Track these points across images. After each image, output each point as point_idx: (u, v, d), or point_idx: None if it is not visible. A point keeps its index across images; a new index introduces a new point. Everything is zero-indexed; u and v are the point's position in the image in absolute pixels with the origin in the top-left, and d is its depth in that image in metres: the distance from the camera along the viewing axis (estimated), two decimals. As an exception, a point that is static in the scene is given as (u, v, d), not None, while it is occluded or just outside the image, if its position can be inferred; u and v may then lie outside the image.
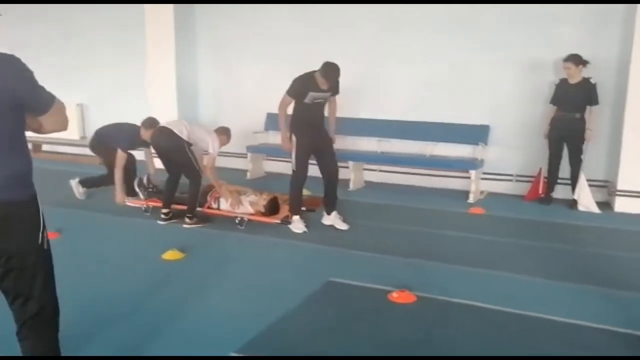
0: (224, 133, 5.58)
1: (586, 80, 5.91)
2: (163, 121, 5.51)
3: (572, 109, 5.96)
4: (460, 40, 6.66)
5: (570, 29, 6.20)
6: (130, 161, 5.91)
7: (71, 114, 8.85)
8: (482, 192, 6.70)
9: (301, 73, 5.05)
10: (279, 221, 5.19)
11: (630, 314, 3.46)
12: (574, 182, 6.10)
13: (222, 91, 8.14)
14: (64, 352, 2.28)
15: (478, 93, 6.70)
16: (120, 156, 5.61)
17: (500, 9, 6.41)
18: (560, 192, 6.32)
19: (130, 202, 5.79)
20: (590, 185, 6.04)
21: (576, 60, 5.84)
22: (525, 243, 4.89)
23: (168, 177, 5.38)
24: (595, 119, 5.97)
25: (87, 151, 6.54)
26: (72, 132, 8.89)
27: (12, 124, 1.98)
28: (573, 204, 6.06)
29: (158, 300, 3.60)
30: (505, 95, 6.59)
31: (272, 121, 7.50)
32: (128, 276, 4.00)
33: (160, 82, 7.90)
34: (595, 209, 5.95)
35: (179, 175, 5.34)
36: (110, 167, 5.85)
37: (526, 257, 4.54)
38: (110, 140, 5.79)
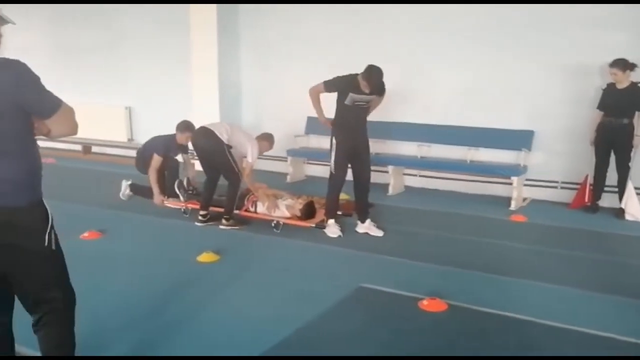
0: (265, 139, 5.65)
1: (634, 85, 5.68)
2: (206, 123, 5.59)
3: (619, 115, 5.74)
4: (504, 43, 6.51)
5: (617, 31, 5.96)
6: (172, 165, 6.06)
7: (119, 116, 9.21)
8: (524, 199, 6.53)
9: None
10: (314, 225, 5.20)
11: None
12: (621, 190, 5.86)
13: (264, 94, 8.23)
14: (90, 346, 2.37)
15: (522, 97, 6.54)
16: (155, 159, 5.77)
17: (545, 11, 6.24)
18: (607, 200, 6.09)
19: (170, 204, 5.94)
20: (638, 194, 5.79)
21: (622, 65, 5.62)
22: (567, 253, 4.74)
23: (206, 179, 5.47)
24: (645, 124, 5.73)
25: (134, 153, 6.72)
26: (120, 134, 9.22)
27: (15, 128, 2.03)
28: (620, 213, 5.83)
29: (187, 301, 3.67)
30: (550, 100, 6.40)
31: (312, 125, 7.54)
32: (161, 276, 4.10)
33: (204, 85, 8.04)
34: (643, 219, 5.72)
35: (218, 177, 5.42)
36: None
37: (567, 267, 4.40)
38: (148, 152, 5.97)
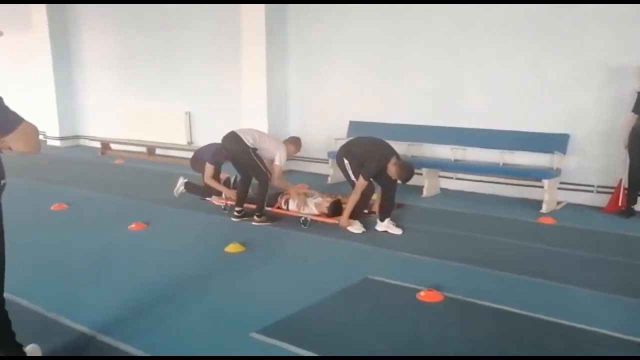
0: (292, 143, 6.05)
1: (670, 88, 5.59)
2: (236, 128, 6.06)
3: (653, 118, 5.66)
4: (538, 44, 6.55)
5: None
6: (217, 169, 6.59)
7: (180, 121, 9.93)
8: (559, 202, 6.52)
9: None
10: (338, 222, 5.52)
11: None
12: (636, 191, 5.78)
13: (308, 99, 8.63)
14: (118, 322, 2.81)
15: (556, 100, 6.55)
16: (208, 167, 6.31)
17: (580, 11, 6.22)
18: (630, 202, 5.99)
19: (215, 201, 6.44)
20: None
21: (659, 66, 5.55)
22: (591, 255, 4.76)
23: (240, 178, 5.95)
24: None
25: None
26: (180, 138, 9.93)
27: None
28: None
29: (209, 284, 4.12)
30: (585, 103, 6.38)
31: (354, 128, 7.86)
32: (190, 263, 4.59)
33: (253, 91, 8.54)
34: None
35: (250, 176, 5.88)
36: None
37: (588, 269, 4.45)
38: (201, 157, 6.54)
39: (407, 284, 4.06)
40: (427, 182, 7.04)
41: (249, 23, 8.43)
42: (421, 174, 6.98)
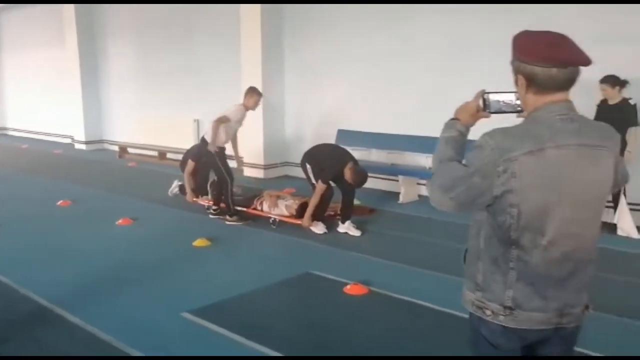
0: (247, 96, 6.45)
1: (625, 101, 5.78)
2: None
3: (610, 131, 5.85)
4: (503, 57, 6.77)
5: (619, 46, 6.06)
6: (205, 168, 7.10)
7: (189, 127, 10.58)
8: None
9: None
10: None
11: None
12: (615, 205, 5.94)
13: (302, 108, 9.10)
14: (72, 297, 3.38)
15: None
16: (189, 164, 6.84)
17: (547, 26, 6.44)
18: (605, 215, 6.16)
19: (200, 201, 6.98)
20: (633, 210, 5.85)
21: (612, 81, 5.75)
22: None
23: (217, 178, 6.45)
24: (635, 140, 5.78)
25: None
26: (189, 143, 10.52)
27: None
28: (613, 228, 5.91)
29: (161, 271, 4.67)
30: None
31: (342, 136, 8.27)
32: (156, 253, 5.16)
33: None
34: (635, 235, 5.77)
35: (225, 177, 6.35)
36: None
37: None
38: (186, 157, 7.12)
39: (340, 279, 4.46)
40: (404, 189, 7.37)
41: (247, 41, 9.02)
42: (397, 181, 7.33)
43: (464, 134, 1.87)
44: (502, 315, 1.69)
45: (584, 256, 1.71)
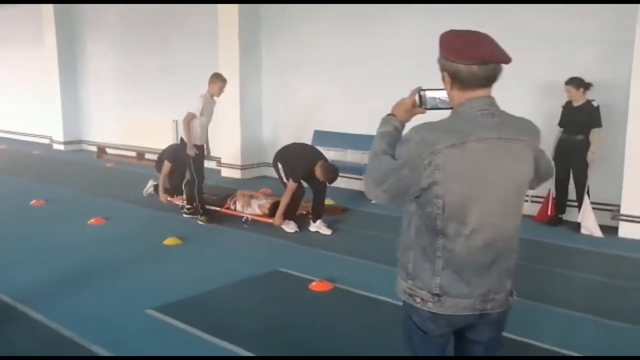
0: (211, 83, 6.41)
1: (589, 103, 5.93)
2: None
3: (574, 132, 6.01)
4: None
5: (584, 48, 6.21)
6: (181, 168, 7.14)
7: (167, 128, 10.58)
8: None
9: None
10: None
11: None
12: (579, 204, 6.09)
13: (279, 109, 9.17)
14: (38, 295, 3.40)
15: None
16: (165, 165, 6.89)
17: (513, 28, 6.54)
18: (571, 214, 6.30)
19: (175, 200, 7.01)
20: (596, 209, 5.99)
21: (577, 83, 5.90)
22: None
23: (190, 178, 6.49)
24: (598, 141, 5.93)
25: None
26: (167, 143, 10.50)
27: None
28: (577, 227, 6.05)
29: (130, 269, 4.72)
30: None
31: (318, 137, 8.35)
32: (126, 252, 5.20)
33: (228, 103, 9.08)
34: (598, 233, 5.90)
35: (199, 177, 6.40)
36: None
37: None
38: (162, 158, 7.18)
39: (307, 276, 4.53)
40: (378, 189, 7.44)
41: (225, 41, 9.06)
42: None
43: (398, 129, 1.94)
44: (431, 302, 1.77)
45: (505, 245, 1.80)
